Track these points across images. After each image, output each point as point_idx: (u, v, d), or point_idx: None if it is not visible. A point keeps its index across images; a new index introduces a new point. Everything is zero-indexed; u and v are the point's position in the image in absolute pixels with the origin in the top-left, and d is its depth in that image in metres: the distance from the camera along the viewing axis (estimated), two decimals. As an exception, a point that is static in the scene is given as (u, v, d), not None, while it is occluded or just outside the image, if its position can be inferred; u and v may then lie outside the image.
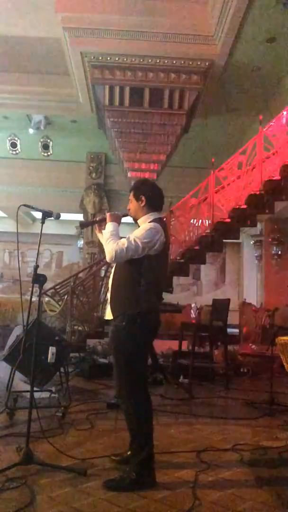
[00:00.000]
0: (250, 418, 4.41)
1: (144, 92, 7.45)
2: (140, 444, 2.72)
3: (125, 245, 2.69)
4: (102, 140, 9.31)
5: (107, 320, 3.05)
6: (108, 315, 2.88)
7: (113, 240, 2.76)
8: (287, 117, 6.29)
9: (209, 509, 2.41)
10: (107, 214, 2.97)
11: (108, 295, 2.94)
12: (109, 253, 2.74)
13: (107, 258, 2.79)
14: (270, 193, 6.48)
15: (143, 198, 2.92)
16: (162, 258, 2.88)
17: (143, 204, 2.92)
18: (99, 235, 3.12)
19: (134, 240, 2.71)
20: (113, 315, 2.81)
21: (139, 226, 2.93)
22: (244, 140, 6.78)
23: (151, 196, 2.94)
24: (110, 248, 2.73)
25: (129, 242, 2.71)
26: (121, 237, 2.81)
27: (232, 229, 7.07)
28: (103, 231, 2.93)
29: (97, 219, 3.16)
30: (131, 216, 3.01)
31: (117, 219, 2.93)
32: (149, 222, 2.85)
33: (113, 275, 2.89)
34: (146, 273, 2.76)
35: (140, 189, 2.96)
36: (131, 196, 2.99)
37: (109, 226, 2.88)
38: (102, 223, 3.04)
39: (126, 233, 2.85)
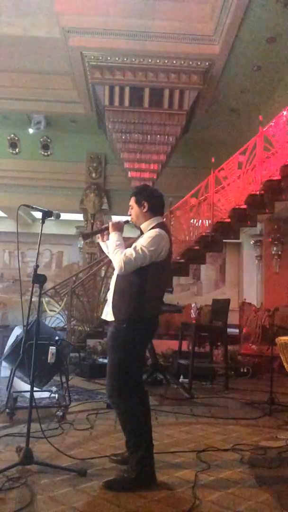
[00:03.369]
0: (250, 418, 4.42)
1: (144, 92, 7.44)
2: (135, 444, 2.72)
3: (133, 255, 2.69)
4: (102, 140, 9.30)
5: (106, 320, 3.04)
6: (107, 316, 2.86)
7: (120, 251, 2.75)
8: (287, 117, 6.28)
9: (209, 509, 2.41)
10: (110, 224, 2.96)
11: (109, 296, 2.94)
12: (117, 264, 2.73)
13: (117, 270, 2.77)
14: (270, 193, 6.48)
15: (145, 203, 2.91)
16: (166, 264, 2.88)
17: (145, 209, 2.92)
18: (102, 244, 3.13)
19: (141, 249, 2.70)
20: (115, 318, 2.79)
21: (141, 231, 2.93)
22: (244, 140, 6.77)
23: (152, 201, 2.93)
24: (118, 259, 2.72)
25: (136, 252, 2.70)
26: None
27: (232, 229, 7.07)
28: (107, 242, 2.94)
29: (99, 228, 3.17)
30: (134, 223, 3.01)
31: (120, 228, 2.93)
32: (153, 227, 2.85)
33: (116, 279, 2.86)
34: (151, 279, 2.76)
35: (142, 195, 2.96)
36: (132, 202, 2.97)
37: (113, 236, 2.87)
38: (104, 232, 3.04)
39: (127, 234, 2.85)
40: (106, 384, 2.86)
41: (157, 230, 2.81)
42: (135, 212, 2.96)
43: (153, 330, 2.92)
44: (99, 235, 3.14)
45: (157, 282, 2.80)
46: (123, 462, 2.91)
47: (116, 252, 2.76)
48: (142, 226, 2.92)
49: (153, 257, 2.73)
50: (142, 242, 2.75)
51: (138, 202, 2.93)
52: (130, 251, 2.71)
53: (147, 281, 2.75)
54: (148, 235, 2.80)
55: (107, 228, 2.98)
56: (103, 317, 2.95)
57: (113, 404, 2.85)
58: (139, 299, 2.74)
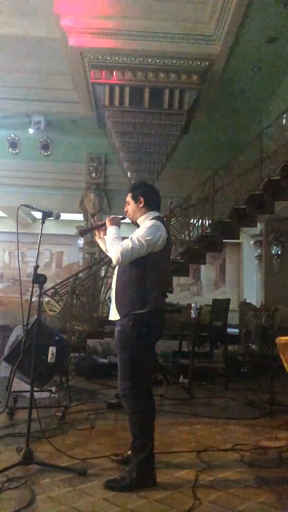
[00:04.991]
0: (250, 418, 4.42)
1: (144, 92, 7.44)
2: (142, 444, 2.71)
3: (130, 246, 2.70)
4: (102, 140, 9.30)
5: (109, 320, 3.03)
6: (114, 315, 2.86)
7: (116, 243, 2.76)
8: (287, 117, 6.29)
9: (209, 509, 2.41)
10: (107, 218, 2.98)
11: (112, 295, 2.93)
12: (114, 256, 2.73)
13: (114, 261, 2.78)
14: (270, 193, 6.48)
15: (141, 198, 2.94)
16: (165, 255, 2.89)
17: (141, 205, 2.94)
18: (98, 241, 3.13)
19: (137, 239, 2.72)
20: (120, 315, 2.79)
21: (139, 227, 2.93)
22: (244, 140, 6.77)
23: (148, 196, 2.96)
24: (115, 251, 2.73)
25: (132, 242, 2.71)
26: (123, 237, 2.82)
27: (232, 229, 7.07)
28: (104, 236, 2.94)
29: (96, 224, 3.17)
30: (130, 219, 3.02)
31: (117, 222, 2.94)
32: (149, 220, 2.87)
33: (117, 275, 2.88)
34: (151, 271, 2.77)
35: (138, 190, 2.99)
36: (128, 198, 3.00)
37: (111, 229, 2.88)
38: (101, 228, 3.05)
39: (126, 234, 2.85)
40: (119, 385, 2.84)
41: (153, 221, 2.84)
42: (132, 207, 2.98)
43: (160, 326, 2.88)
44: (95, 231, 3.14)
45: (158, 274, 2.80)
46: (123, 462, 2.91)
47: (113, 244, 2.77)
48: (139, 221, 2.94)
49: (150, 247, 2.74)
50: (138, 233, 2.77)
51: (135, 198, 2.96)
52: (126, 242, 2.73)
53: (147, 272, 2.76)
54: (144, 225, 2.82)
55: (104, 224, 2.99)
56: (110, 318, 2.95)
57: (126, 403, 2.81)
58: (141, 291, 2.74)
